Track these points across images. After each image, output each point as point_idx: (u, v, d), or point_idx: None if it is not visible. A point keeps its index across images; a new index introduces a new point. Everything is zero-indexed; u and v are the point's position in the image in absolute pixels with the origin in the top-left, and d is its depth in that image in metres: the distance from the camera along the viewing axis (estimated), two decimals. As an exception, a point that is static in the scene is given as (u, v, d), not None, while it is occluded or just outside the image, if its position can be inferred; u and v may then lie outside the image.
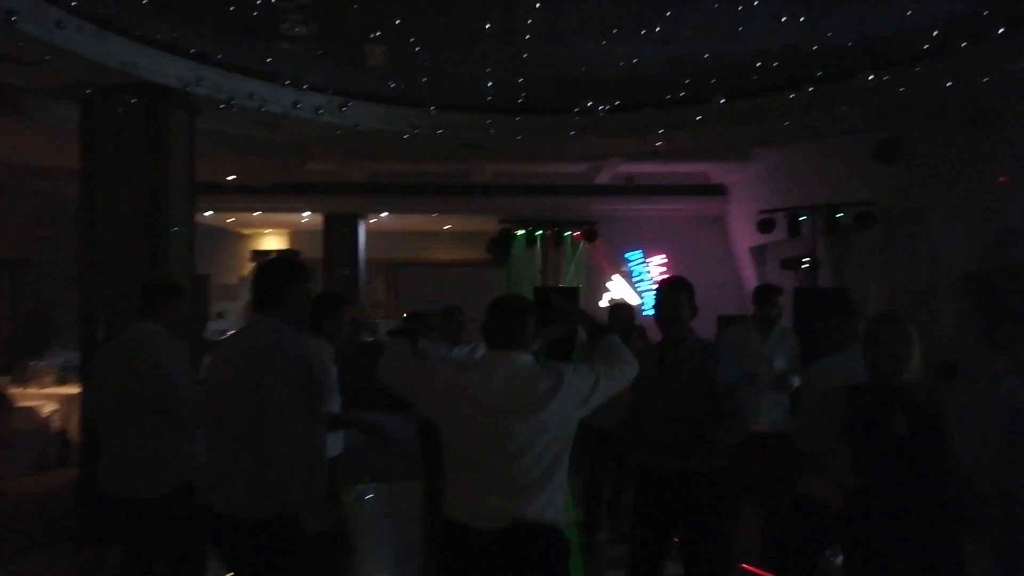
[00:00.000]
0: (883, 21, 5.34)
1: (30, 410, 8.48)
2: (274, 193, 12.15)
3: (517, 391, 2.75)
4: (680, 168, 12.36)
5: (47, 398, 8.61)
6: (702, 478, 3.53)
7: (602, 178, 12.57)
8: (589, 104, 6.88)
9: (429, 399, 2.85)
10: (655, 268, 13.72)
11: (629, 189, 12.91)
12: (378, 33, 5.71)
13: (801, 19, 5.27)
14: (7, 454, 8.07)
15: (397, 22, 5.51)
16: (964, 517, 2.94)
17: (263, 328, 3.00)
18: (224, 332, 14.14)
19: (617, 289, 14.15)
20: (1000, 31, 5.35)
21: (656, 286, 3.88)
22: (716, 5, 5.04)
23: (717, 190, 13.15)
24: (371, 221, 14.31)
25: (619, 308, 5.69)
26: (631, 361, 2.94)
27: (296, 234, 16.06)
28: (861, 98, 6.42)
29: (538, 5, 5.07)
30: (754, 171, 11.94)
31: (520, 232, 12.19)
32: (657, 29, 5.51)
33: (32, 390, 8.84)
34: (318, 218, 13.96)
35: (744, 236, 12.59)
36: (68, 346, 9.27)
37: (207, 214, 13.79)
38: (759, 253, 12.51)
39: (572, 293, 10.06)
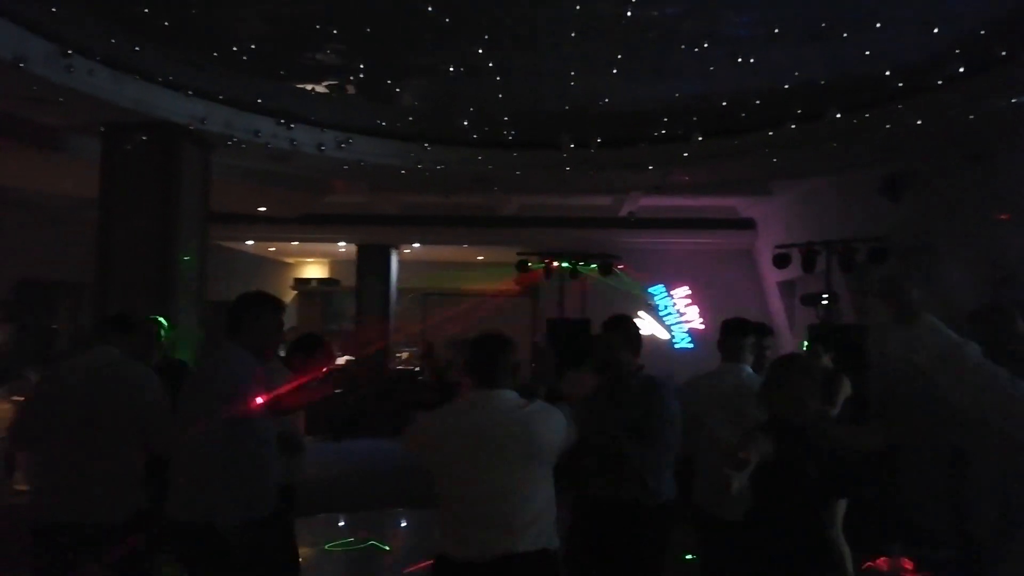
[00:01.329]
0: (869, 59, 5.35)
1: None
2: (309, 224, 12.63)
3: (502, 428, 2.86)
4: (709, 203, 12.34)
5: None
6: (647, 509, 3.61)
7: (626, 211, 12.63)
8: (574, 140, 7.01)
9: (426, 450, 2.96)
10: (680, 301, 13.63)
11: (657, 222, 12.95)
12: (375, 71, 6.02)
13: (786, 57, 5.34)
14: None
15: (395, 61, 5.82)
16: None
17: (218, 355, 3.33)
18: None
19: (645, 325, 14.09)
20: (991, 65, 5.33)
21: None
22: (703, 45, 5.15)
23: (744, 224, 13.05)
24: (405, 252, 14.68)
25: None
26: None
27: (335, 263, 16.55)
28: (849, 135, 6.40)
29: (533, 43, 5.29)
30: (777, 205, 11.83)
31: (539, 264, 12.26)
32: (647, 68, 5.66)
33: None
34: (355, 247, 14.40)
35: (772, 271, 12.44)
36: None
37: (248, 243, 14.39)
38: (787, 288, 12.34)
39: (583, 326, 10.10)
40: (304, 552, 5.97)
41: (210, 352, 3.59)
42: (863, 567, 5.48)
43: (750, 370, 4.03)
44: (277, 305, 3.51)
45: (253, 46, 5.73)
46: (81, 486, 3.61)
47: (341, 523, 7.03)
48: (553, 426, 2.94)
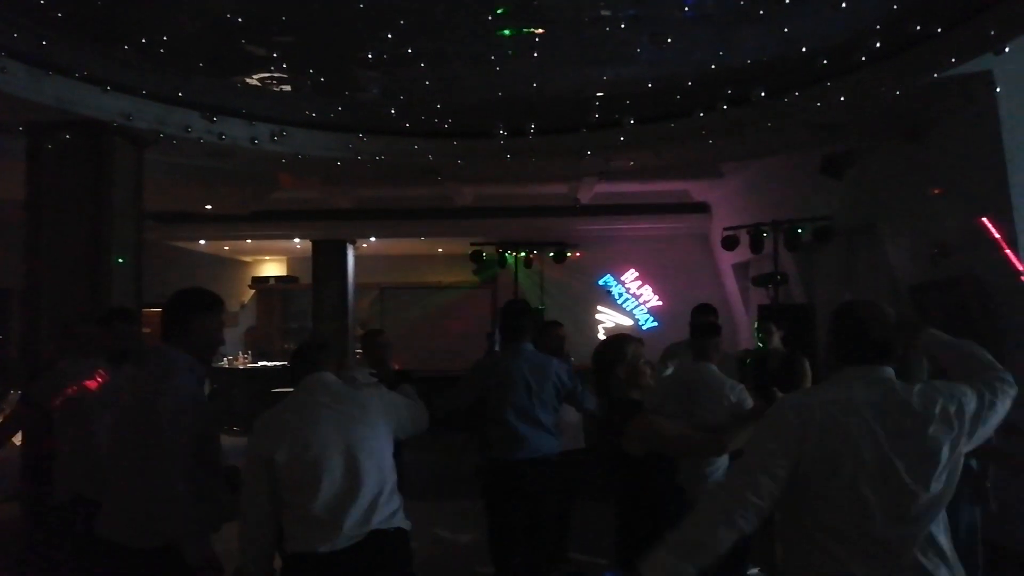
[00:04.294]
0: (791, 38, 5.34)
1: (2, 437, 8.79)
2: (261, 221, 12.45)
3: (335, 406, 2.97)
4: (663, 187, 12.34)
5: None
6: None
7: (584, 198, 12.59)
8: (514, 128, 6.96)
9: (270, 446, 2.90)
10: (632, 284, 13.60)
11: (612, 209, 12.95)
12: (305, 62, 5.92)
13: (712, 39, 5.31)
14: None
15: (327, 49, 5.71)
16: None
17: (160, 358, 3.03)
18: (221, 358, 14.45)
19: (608, 316, 14.09)
20: (909, 42, 5.35)
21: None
22: (641, 29, 5.12)
23: (699, 208, 13.10)
24: (362, 246, 14.53)
25: (371, 335, 5.54)
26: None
27: (293, 260, 16.35)
28: (782, 116, 6.40)
29: (457, 30, 5.22)
30: (729, 188, 11.88)
31: (493, 258, 12.20)
32: (573, 53, 5.60)
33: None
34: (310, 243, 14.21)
35: (725, 253, 12.48)
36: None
37: (201, 243, 14.17)
38: (741, 270, 12.41)
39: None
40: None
41: (147, 355, 3.31)
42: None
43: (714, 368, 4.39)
44: (213, 304, 3.30)
45: (179, 40, 5.59)
46: None
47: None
48: (386, 405, 3.13)
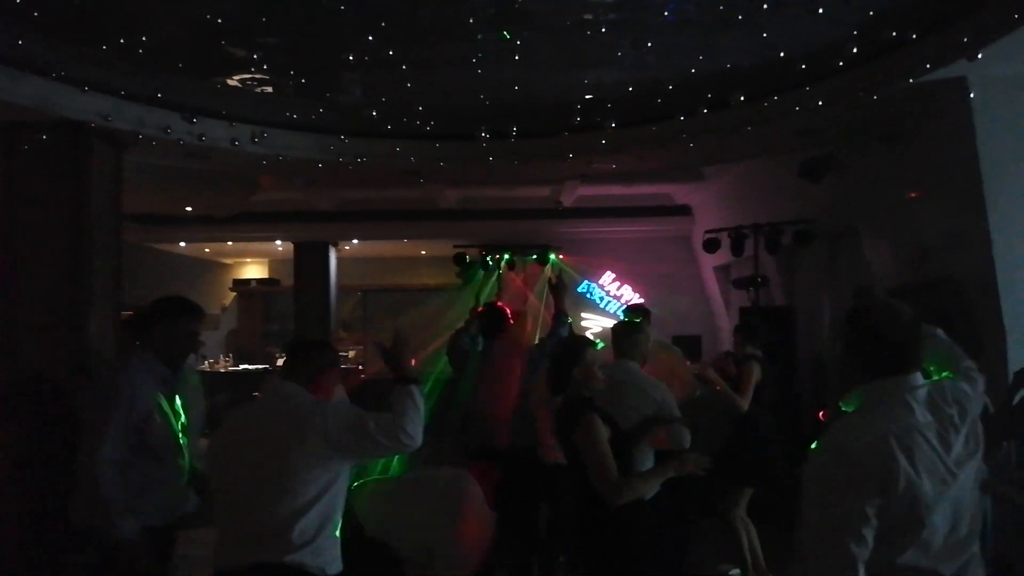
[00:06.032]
0: (768, 43, 5.38)
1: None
2: (242, 222, 12.37)
3: (269, 418, 2.82)
4: (645, 190, 12.39)
5: None
6: None
7: (567, 201, 12.62)
8: (496, 131, 6.97)
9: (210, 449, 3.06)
10: (610, 286, 13.57)
11: (595, 211, 13.00)
12: (291, 62, 5.90)
13: (692, 43, 5.34)
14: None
15: (309, 51, 5.70)
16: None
17: (122, 360, 3.55)
18: (202, 362, 14.34)
19: (593, 321, 14.07)
20: (885, 48, 5.40)
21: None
22: (622, 34, 5.14)
23: (681, 211, 13.17)
24: (344, 248, 14.49)
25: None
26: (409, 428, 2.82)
27: (275, 263, 16.28)
28: (762, 120, 6.44)
29: (438, 34, 5.23)
30: (711, 191, 11.95)
31: (471, 256, 12.16)
32: (554, 56, 5.62)
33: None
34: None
35: (707, 256, 12.55)
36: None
37: (181, 245, 14.07)
38: (723, 272, 12.49)
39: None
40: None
41: (117, 359, 3.63)
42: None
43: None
44: (193, 312, 3.46)
45: (159, 40, 5.55)
46: None
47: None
48: (316, 429, 2.70)
